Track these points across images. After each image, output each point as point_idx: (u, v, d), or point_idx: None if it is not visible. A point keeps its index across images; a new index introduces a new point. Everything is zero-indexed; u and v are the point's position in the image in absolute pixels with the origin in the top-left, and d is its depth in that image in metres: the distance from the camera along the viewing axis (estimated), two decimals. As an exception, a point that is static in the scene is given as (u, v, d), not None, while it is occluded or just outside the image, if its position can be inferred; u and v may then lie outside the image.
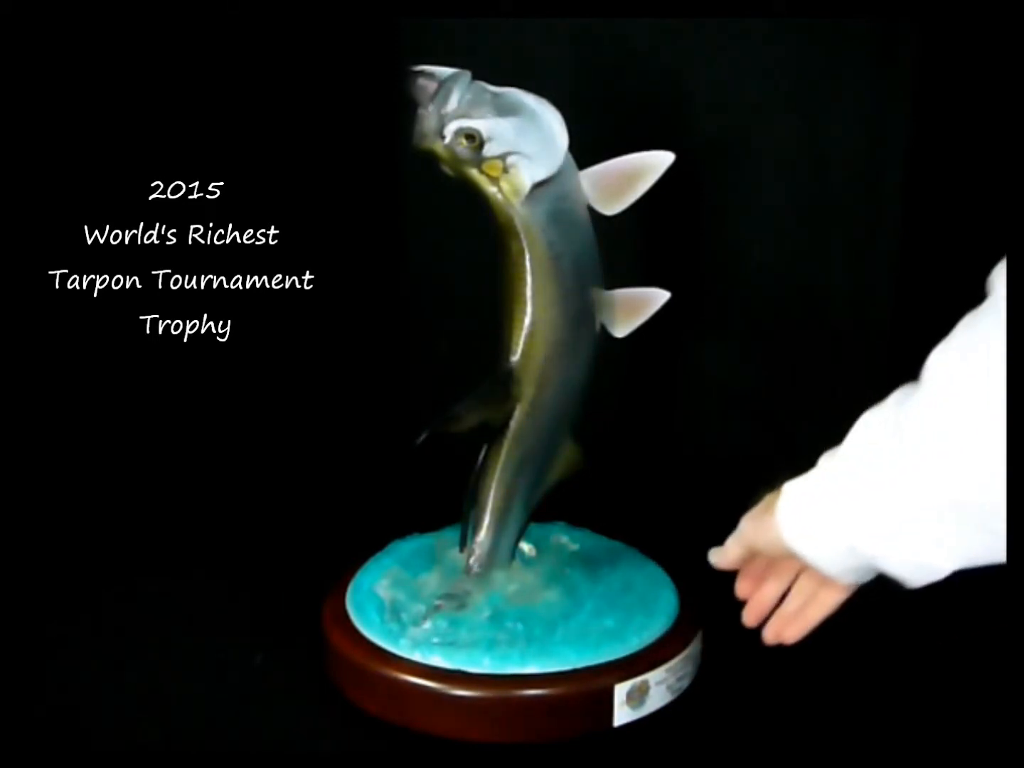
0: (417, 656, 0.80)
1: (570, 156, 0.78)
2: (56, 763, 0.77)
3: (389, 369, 1.16)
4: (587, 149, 0.79)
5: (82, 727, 0.80)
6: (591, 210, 0.80)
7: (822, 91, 0.99)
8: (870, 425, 0.70)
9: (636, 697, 0.79)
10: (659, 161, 0.79)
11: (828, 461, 0.73)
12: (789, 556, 0.74)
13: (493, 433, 0.82)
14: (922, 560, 0.67)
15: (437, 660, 0.80)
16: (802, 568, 0.77)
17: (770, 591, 0.79)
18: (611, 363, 0.85)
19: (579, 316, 0.81)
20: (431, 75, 0.76)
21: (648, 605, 0.85)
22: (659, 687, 0.80)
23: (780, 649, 0.82)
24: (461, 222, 0.84)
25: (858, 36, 0.96)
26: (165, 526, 1.05)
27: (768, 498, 0.75)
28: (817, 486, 0.72)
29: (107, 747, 0.78)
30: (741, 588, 0.80)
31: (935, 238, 0.99)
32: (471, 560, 0.86)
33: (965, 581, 0.68)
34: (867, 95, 0.98)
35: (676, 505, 1.06)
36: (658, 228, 1.02)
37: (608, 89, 1.01)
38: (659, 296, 0.82)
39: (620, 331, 0.83)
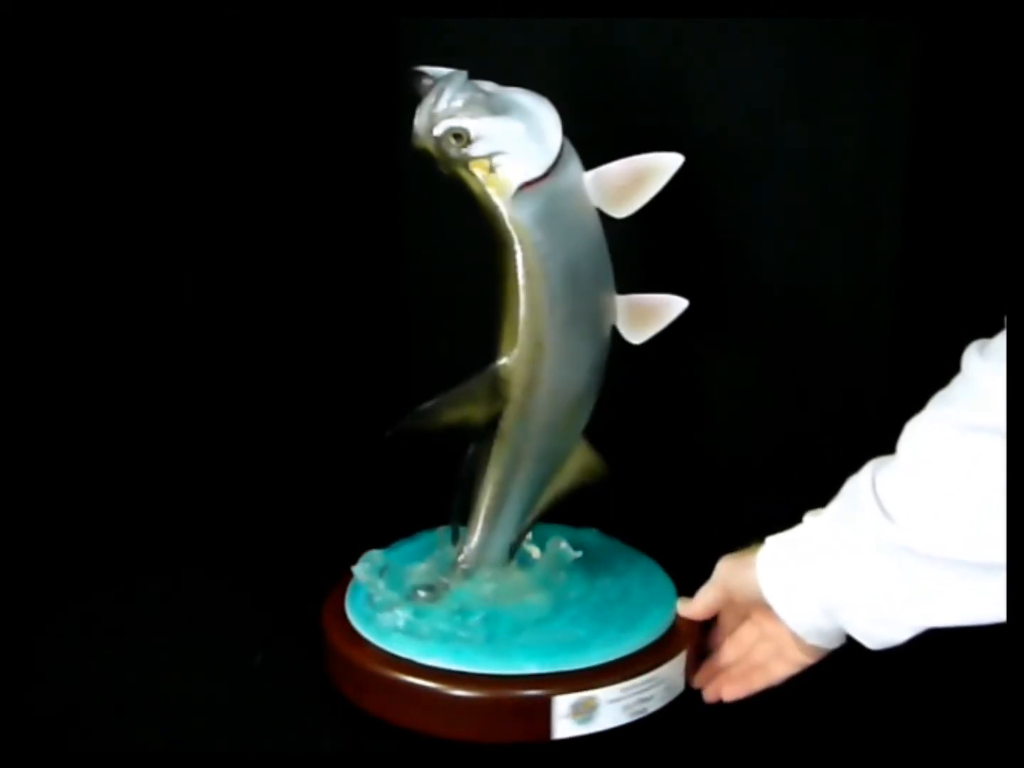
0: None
1: (571, 155, 0.78)
2: (56, 763, 0.77)
3: (389, 369, 1.16)
4: (587, 149, 0.79)
5: (82, 727, 0.80)
6: (601, 213, 0.80)
7: (822, 91, 0.99)
8: (853, 491, 0.73)
9: (582, 711, 0.78)
10: (668, 163, 0.78)
11: (812, 519, 0.76)
12: (759, 605, 0.78)
13: (479, 433, 0.82)
14: (890, 617, 0.71)
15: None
16: (760, 637, 0.81)
17: (726, 656, 0.83)
18: (611, 363, 0.84)
19: (574, 319, 0.79)
20: (430, 76, 0.76)
21: (633, 621, 0.83)
22: (613, 705, 0.78)
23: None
24: (461, 222, 0.84)
25: (858, 36, 0.96)
26: (164, 526, 1.04)
27: (750, 548, 0.79)
28: (799, 542, 0.76)
29: (107, 747, 0.78)
30: (712, 640, 0.84)
31: (935, 239, 0.99)
32: (460, 557, 0.86)
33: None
34: (867, 95, 0.98)
35: (675, 505, 1.06)
36: (656, 228, 1.02)
37: (608, 89, 1.01)
38: (676, 304, 0.80)
39: (635, 338, 0.81)
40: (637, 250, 1.04)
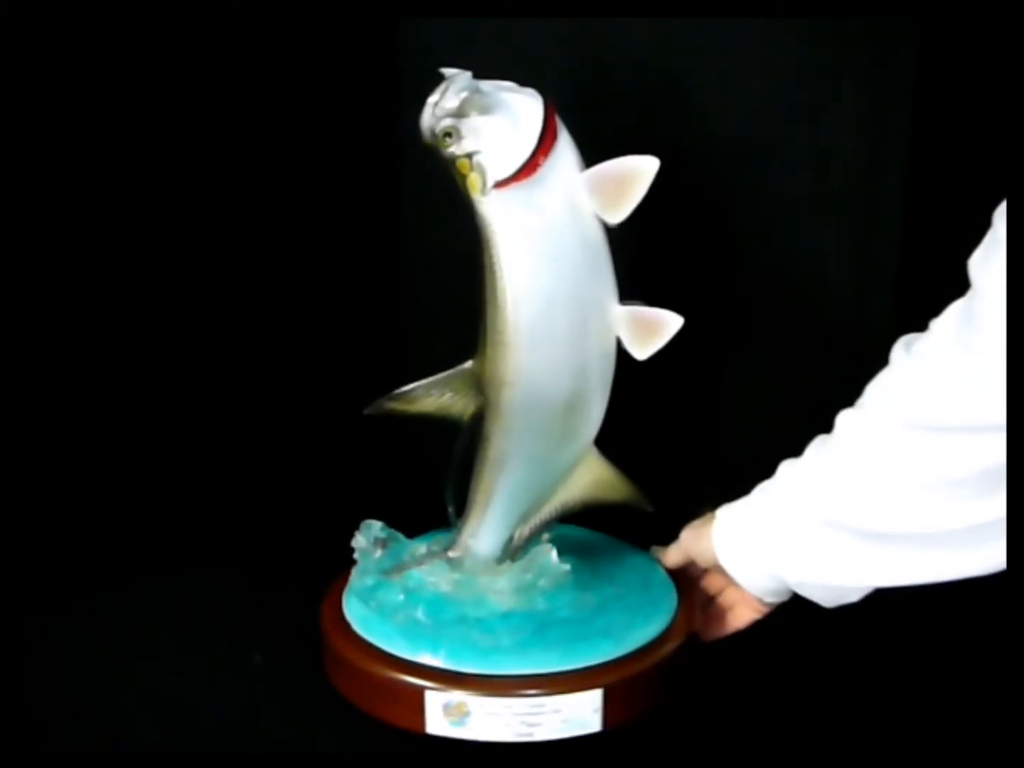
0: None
1: (564, 157, 0.77)
2: (56, 763, 0.77)
3: (389, 369, 1.16)
4: (587, 150, 0.79)
5: (82, 727, 0.80)
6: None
7: (822, 91, 0.99)
8: (794, 468, 0.81)
9: (453, 713, 0.78)
10: (647, 166, 0.76)
11: (759, 495, 0.84)
12: (718, 568, 0.85)
13: (464, 427, 0.83)
14: (834, 583, 0.79)
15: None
16: (726, 583, 0.87)
17: (698, 597, 0.89)
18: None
19: (549, 322, 0.78)
20: (442, 76, 0.77)
21: (576, 644, 0.81)
22: (491, 717, 0.78)
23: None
24: (461, 221, 0.84)
25: (858, 36, 0.96)
26: (163, 526, 1.04)
27: (709, 515, 0.86)
28: (748, 515, 0.84)
29: (107, 747, 0.78)
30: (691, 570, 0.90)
31: (935, 237, 0.99)
32: (453, 545, 0.87)
33: (961, 587, 0.71)
34: (867, 95, 0.98)
35: (675, 505, 1.06)
36: (655, 228, 1.02)
37: (607, 89, 1.01)
38: (673, 320, 0.79)
39: (639, 353, 0.80)
40: (635, 250, 1.04)
